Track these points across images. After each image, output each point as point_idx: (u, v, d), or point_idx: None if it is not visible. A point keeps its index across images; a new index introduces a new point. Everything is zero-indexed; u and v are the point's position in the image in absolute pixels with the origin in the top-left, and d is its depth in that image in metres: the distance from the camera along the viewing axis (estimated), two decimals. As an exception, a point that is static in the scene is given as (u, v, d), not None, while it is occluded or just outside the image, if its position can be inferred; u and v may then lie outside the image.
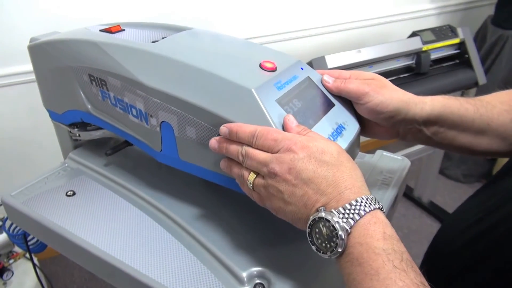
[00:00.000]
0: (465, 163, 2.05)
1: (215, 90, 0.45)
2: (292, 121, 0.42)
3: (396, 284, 0.31)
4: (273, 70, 0.48)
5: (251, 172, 0.41)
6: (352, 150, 0.49)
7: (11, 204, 0.57)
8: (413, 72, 1.42)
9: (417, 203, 1.93)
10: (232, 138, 0.42)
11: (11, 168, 1.40)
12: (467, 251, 0.50)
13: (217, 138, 0.44)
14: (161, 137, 0.50)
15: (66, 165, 0.66)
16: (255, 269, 0.45)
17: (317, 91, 0.51)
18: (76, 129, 0.64)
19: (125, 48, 0.52)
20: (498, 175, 0.55)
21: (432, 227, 1.81)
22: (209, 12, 1.48)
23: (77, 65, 0.56)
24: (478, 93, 1.43)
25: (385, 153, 0.67)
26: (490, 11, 1.84)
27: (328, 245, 0.36)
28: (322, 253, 0.36)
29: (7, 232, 0.75)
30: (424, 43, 1.40)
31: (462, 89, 1.52)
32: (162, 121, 0.49)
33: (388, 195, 0.57)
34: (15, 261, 1.10)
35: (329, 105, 0.50)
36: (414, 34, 1.42)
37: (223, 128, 0.42)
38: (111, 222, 0.53)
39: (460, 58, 1.50)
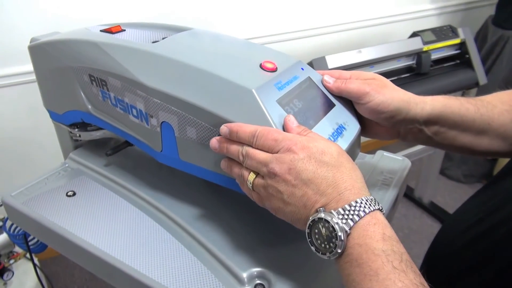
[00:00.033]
0: (465, 163, 2.05)
1: (215, 90, 0.45)
2: (292, 121, 0.42)
3: (396, 285, 0.31)
4: (274, 70, 0.48)
5: (251, 172, 0.41)
6: (353, 150, 0.49)
7: (12, 204, 0.57)
8: (413, 72, 1.42)
9: (418, 203, 1.93)
10: (233, 138, 0.42)
11: (11, 168, 1.40)
12: (468, 251, 0.50)
13: (217, 138, 0.44)
14: (161, 137, 0.50)
15: (67, 165, 0.66)
16: (255, 270, 0.45)
17: (317, 91, 0.51)
18: (76, 130, 0.64)
19: (126, 49, 0.52)
20: (498, 176, 0.55)
21: (432, 227, 1.81)
22: (209, 12, 1.48)
23: (77, 65, 0.56)
24: (478, 93, 1.43)
25: (385, 153, 0.67)
26: (491, 11, 1.84)
27: (327, 246, 0.36)
28: (321, 253, 0.36)
29: (8, 232, 0.75)
30: (425, 43, 1.39)
31: (463, 89, 1.52)
32: (163, 122, 0.49)
33: (388, 196, 0.57)
34: (15, 261, 1.10)
35: (330, 106, 0.50)
36: (414, 34, 1.42)
37: (224, 128, 0.42)
38: (112, 222, 0.53)
39: (460, 59, 1.50)
